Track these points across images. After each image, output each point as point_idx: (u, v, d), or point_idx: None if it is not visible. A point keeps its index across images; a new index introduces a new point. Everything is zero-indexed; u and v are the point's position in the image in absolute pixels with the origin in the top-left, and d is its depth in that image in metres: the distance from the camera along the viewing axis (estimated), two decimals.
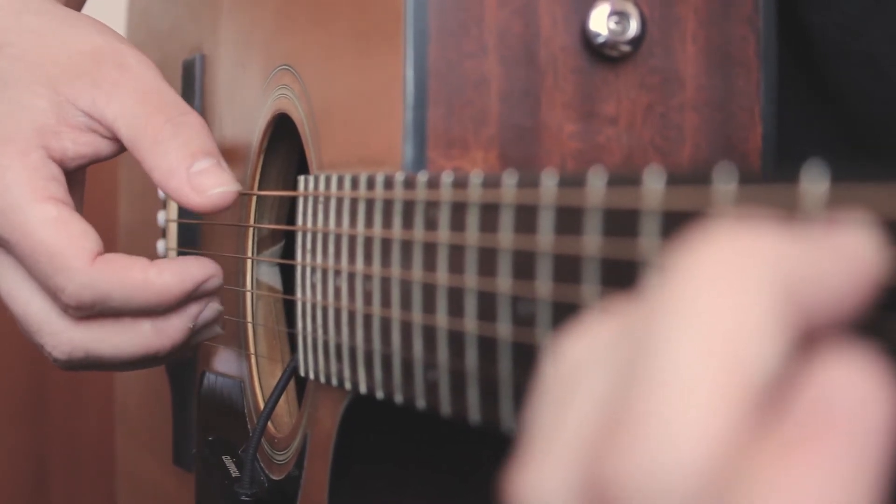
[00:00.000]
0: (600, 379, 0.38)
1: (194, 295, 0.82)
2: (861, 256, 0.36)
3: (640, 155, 0.71)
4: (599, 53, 0.70)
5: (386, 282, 0.67)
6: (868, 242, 0.36)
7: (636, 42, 0.70)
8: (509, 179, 0.55)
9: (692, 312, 0.35)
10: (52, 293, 0.80)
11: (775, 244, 0.35)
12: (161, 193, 1.11)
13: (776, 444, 0.33)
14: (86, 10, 1.03)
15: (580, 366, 0.39)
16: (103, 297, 0.79)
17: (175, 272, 0.81)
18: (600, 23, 0.70)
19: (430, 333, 0.62)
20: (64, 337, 0.81)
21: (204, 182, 0.79)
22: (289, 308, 0.94)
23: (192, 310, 0.83)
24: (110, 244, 1.06)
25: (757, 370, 0.34)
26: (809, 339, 0.36)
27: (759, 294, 0.34)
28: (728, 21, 0.72)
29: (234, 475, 0.91)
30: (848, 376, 0.33)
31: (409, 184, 0.65)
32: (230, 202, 0.80)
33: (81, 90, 0.82)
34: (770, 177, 0.40)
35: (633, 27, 0.70)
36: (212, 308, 0.84)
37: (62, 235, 0.78)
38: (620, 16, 0.70)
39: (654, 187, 0.45)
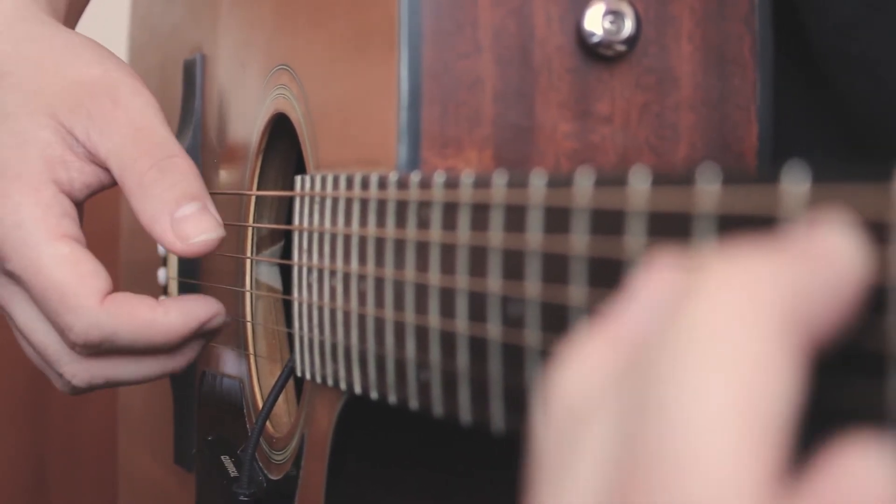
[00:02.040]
0: (609, 423, 0.36)
1: (199, 332, 0.82)
2: (845, 262, 0.35)
3: (636, 154, 0.71)
4: (594, 53, 0.70)
5: (379, 282, 0.67)
6: (850, 245, 0.36)
7: (631, 41, 0.70)
8: (499, 180, 0.55)
9: (709, 354, 0.34)
10: (60, 330, 0.80)
11: (768, 270, 0.35)
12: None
13: None
14: (90, 12, 1.03)
15: (581, 407, 0.38)
16: (110, 337, 0.79)
17: (181, 312, 0.81)
18: (595, 22, 0.70)
19: (422, 334, 0.62)
20: (83, 366, 0.82)
21: (187, 229, 0.79)
22: (288, 308, 0.94)
23: (201, 320, 0.83)
24: (113, 250, 1.06)
25: (780, 403, 0.34)
26: (814, 351, 0.36)
27: (770, 328, 0.34)
28: (724, 20, 0.72)
29: (232, 475, 0.92)
30: (867, 470, 0.33)
31: (403, 184, 0.65)
32: (213, 248, 0.80)
33: (78, 121, 0.81)
34: (753, 177, 0.40)
35: (628, 26, 0.70)
36: (218, 319, 0.85)
37: (73, 275, 0.79)
38: (615, 15, 0.70)
39: (639, 188, 0.45)
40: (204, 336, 0.85)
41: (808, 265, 0.35)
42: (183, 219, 0.79)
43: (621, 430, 0.36)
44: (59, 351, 0.82)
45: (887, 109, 0.80)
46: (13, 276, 0.81)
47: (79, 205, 0.84)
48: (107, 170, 0.82)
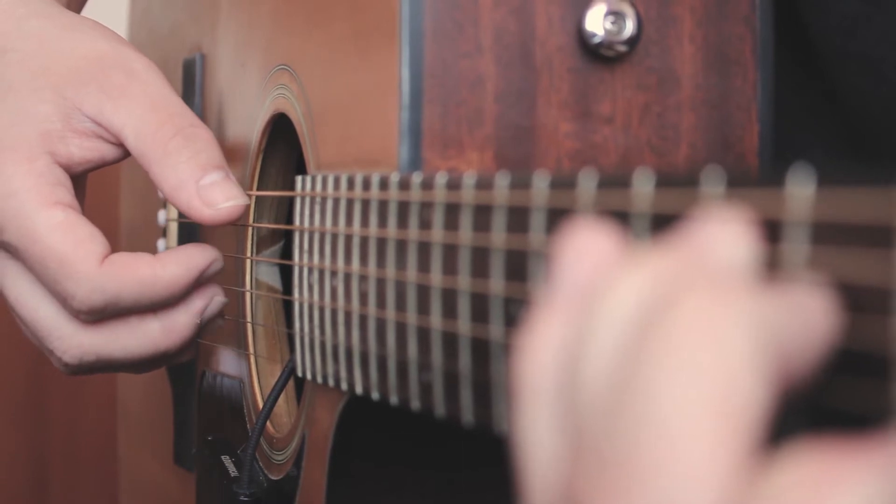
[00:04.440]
0: (554, 406, 0.38)
1: (199, 281, 0.82)
2: (818, 316, 0.37)
3: (637, 154, 0.71)
4: (595, 53, 0.70)
5: (381, 282, 0.67)
6: (824, 303, 0.37)
7: (632, 42, 0.70)
8: (502, 181, 0.55)
9: (680, 363, 0.35)
10: (62, 299, 0.80)
11: (748, 297, 0.36)
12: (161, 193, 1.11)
13: (791, 477, 0.33)
14: (88, 10, 1.03)
15: (532, 384, 0.40)
16: (114, 299, 0.79)
17: (180, 262, 0.81)
18: (596, 23, 0.70)
19: (424, 335, 0.62)
20: (74, 341, 0.81)
21: (214, 195, 0.79)
22: (288, 308, 0.94)
23: (198, 305, 0.83)
24: (112, 243, 1.06)
25: (749, 409, 0.34)
26: (784, 387, 0.36)
27: (743, 339, 0.35)
28: (725, 20, 0.72)
29: (233, 475, 0.91)
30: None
31: (404, 185, 0.65)
32: (239, 215, 0.80)
33: (88, 96, 0.81)
34: (758, 180, 0.40)
35: (630, 27, 0.70)
36: (216, 302, 0.84)
37: (69, 240, 0.78)
38: (616, 16, 0.70)
39: (643, 189, 0.45)
40: (203, 294, 0.83)
41: (788, 305, 0.37)
42: (209, 185, 0.79)
43: (569, 415, 0.38)
44: (50, 325, 0.81)
45: (889, 107, 0.80)
46: (9, 248, 0.81)
47: (78, 179, 0.83)
48: (115, 144, 0.82)
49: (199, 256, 0.82)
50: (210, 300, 0.84)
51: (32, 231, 0.79)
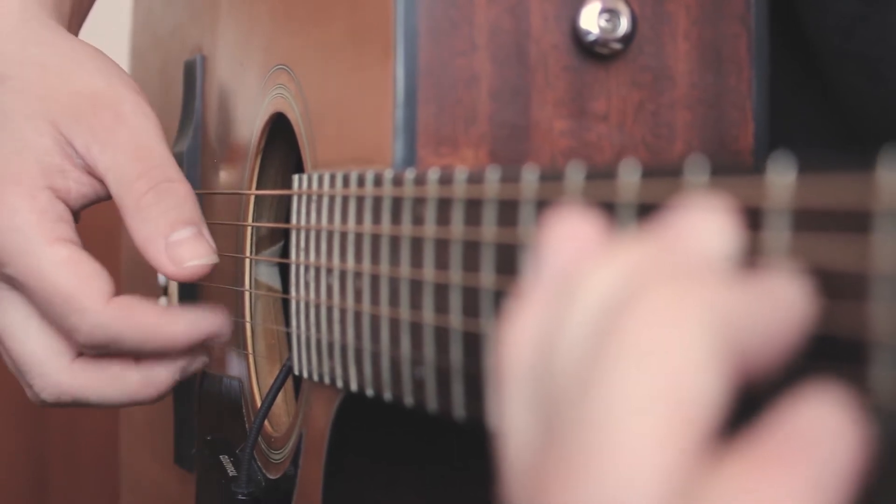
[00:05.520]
0: (528, 394, 0.39)
1: (202, 345, 0.83)
2: (791, 304, 0.37)
3: (632, 152, 0.71)
4: (590, 51, 0.70)
5: (375, 279, 0.67)
6: (798, 291, 0.37)
7: (627, 40, 0.70)
8: (492, 175, 0.56)
9: (635, 357, 0.35)
10: (66, 333, 0.81)
11: (711, 289, 0.36)
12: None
13: (740, 466, 0.34)
14: (91, 15, 1.03)
15: (511, 368, 0.40)
16: (116, 338, 0.80)
17: (189, 322, 0.81)
18: (591, 20, 0.70)
19: (416, 330, 0.62)
20: (52, 380, 0.83)
21: (180, 253, 0.79)
22: (287, 308, 0.94)
23: (180, 363, 0.84)
24: (114, 249, 1.07)
25: (699, 404, 0.35)
26: (746, 378, 0.37)
27: (698, 335, 0.35)
28: (720, 19, 0.72)
29: (231, 475, 0.92)
30: (823, 414, 0.34)
31: (398, 181, 0.65)
32: (205, 274, 0.80)
33: (79, 134, 0.82)
34: (740, 168, 0.40)
35: (624, 25, 0.70)
36: (200, 361, 0.85)
37: (75, 277, 0.79)
38: (611, 13, 0.70)
39: (629, 180, 0.45)
40: (180, 381, 0.84)
41: (754, 297, 0.37)
42: (177, 242, 0.79)
43: (541, 405, 0.38)
44: (33, 362, 0.83)
45: (886, 107, 0.80)
46: (12, 282, 0.82)
47: (75, 213, 0.84)
48: (104, 183, 0.83)
49: (207, 322, 0.82)
50: (194, 359, 0.84)
51: (38, 268, 0.79)
